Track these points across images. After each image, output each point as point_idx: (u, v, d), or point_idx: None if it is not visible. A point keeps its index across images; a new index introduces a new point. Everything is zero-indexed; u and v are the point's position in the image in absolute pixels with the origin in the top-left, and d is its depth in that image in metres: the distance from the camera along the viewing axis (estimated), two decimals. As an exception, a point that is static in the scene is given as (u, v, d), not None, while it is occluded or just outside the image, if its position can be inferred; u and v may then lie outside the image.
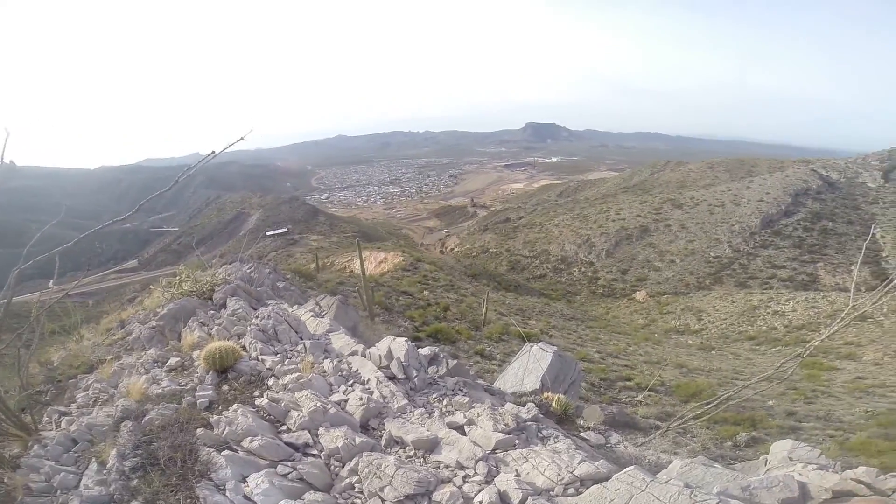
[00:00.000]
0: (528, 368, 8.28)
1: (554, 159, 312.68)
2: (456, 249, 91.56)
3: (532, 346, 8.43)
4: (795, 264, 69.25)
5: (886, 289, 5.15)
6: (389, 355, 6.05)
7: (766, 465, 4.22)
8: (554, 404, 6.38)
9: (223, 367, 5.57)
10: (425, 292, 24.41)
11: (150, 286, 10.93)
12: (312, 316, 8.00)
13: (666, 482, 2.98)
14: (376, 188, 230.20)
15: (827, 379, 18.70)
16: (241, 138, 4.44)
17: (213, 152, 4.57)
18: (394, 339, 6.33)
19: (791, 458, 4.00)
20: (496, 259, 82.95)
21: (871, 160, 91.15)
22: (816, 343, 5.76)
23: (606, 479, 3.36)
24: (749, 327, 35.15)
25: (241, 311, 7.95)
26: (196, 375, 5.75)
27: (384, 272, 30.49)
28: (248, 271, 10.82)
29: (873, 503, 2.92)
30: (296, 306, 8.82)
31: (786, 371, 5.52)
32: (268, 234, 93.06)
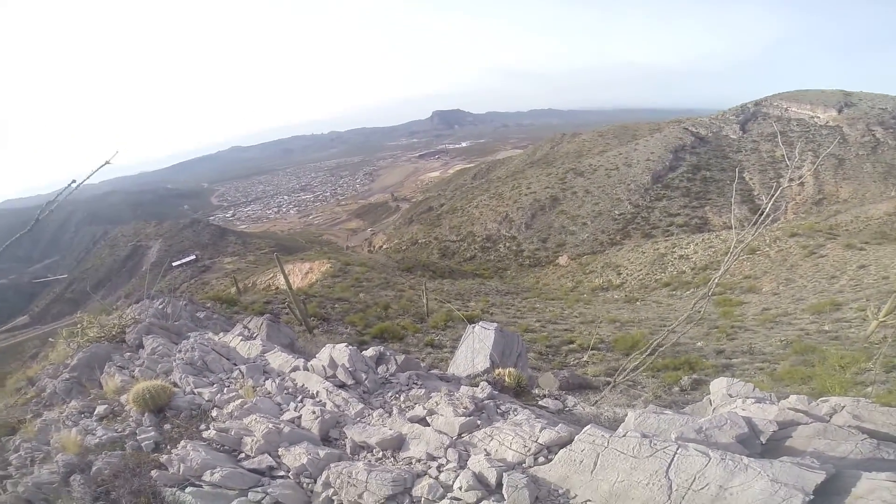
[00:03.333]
0: (475, 349, 8.45)
1: (464, 144, 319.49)
2: (385, 246, 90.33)
3: (474, 327, 8.60)
4: (687, 210, 78.30)
5: (761, 221, 6.01)
6: (333, 364, 6.00)
7: (711, 404, 4.56)
8: (507, 379, 6.60)
9: (158, 407, 5.49)
10: (361, 295, 23.87)
11: (51, 339, 10.03)
12: (242, 340, 7.87)
13: (624, 436, 3.15)
14: (286, 197, 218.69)
15: (739, 314, 21.05)
16: (107, 162, 4.16)
17: (74, 182, 4.22)
18: (333, 346, 6.28)
19: (730, 395, 4.36)
20: (427, 249, 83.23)
21: (730, 115, 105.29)
22: (716, 281, 6.54)
23: (569, 441, 3.54)
24: (662, 274, 38.92)
25: (160, 348, 7.71)
26: (131, 419, 5.57)
27: (313, 282, 29.37)
28: (161, 307, 10.25)
29: (817, 430, 3.26)
30: (221, 334, 8.66)
31: (699, 312, 6.20)
32: (174, 264, 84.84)
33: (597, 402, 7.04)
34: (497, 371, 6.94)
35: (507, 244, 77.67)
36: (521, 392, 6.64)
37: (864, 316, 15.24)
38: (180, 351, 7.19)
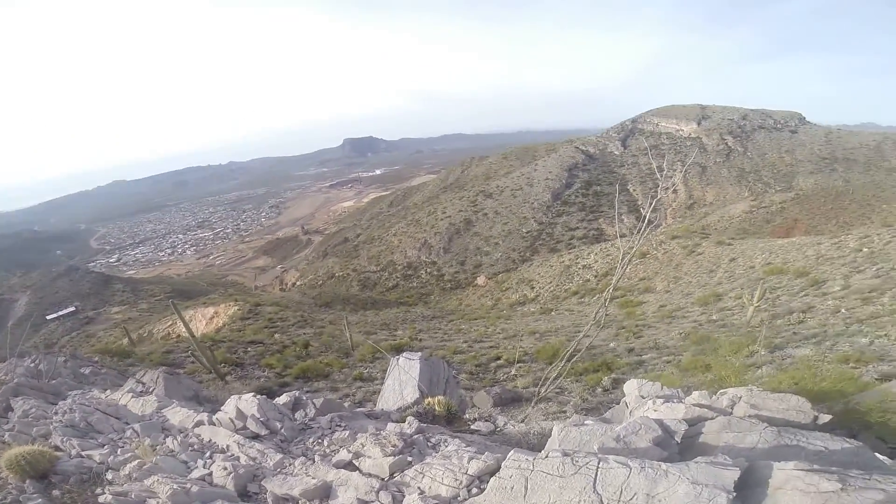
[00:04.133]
0: (402, 381, 8.24)
1: (378, 171, 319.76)
2: (299, 283, 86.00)
3: (398, 359, 8.40)
4: (585, 224, 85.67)
5: (643, 229, 6.69)
6: (241, 415, 5.64)
7: (627, 407, 4.76)
8: (437, 407, 6.47)
9: (40, 473, 5.06)
10: (276, 335, 22.44)
11: None
12: (134, 397, 7.44)
13: (546, 457, 3.16)
14: (181, 236, 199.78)
15: (641, 313, 23.12)
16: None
17: None
18: (239, 397, 5.96)
19: (643, 396, 4.59)
20: (345, 282, 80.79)
21: (612, 133, 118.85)
22: (612, 288, 7.13)
23: (497, 469, 3.48)
24: (570, 284, 41.78)
25: (34, 410, 7.18)
26: (11, 487, 5.07)
27: (220, 327, 27.02)
28: (33, 365, 9.66)
29: (723, 424, 3.51)
30: (109, 391, 8.18)
31: (604, 317, 6.67)
32: (49, 317, 72.59)
33: (524, 418, 7.16)
34: (427, 401, 6.80)
35: (429, 270, 78.41)
36: (452, 419, 6.54)
37: (742, 303, 17.61)
38: (57, 413, 6.72)
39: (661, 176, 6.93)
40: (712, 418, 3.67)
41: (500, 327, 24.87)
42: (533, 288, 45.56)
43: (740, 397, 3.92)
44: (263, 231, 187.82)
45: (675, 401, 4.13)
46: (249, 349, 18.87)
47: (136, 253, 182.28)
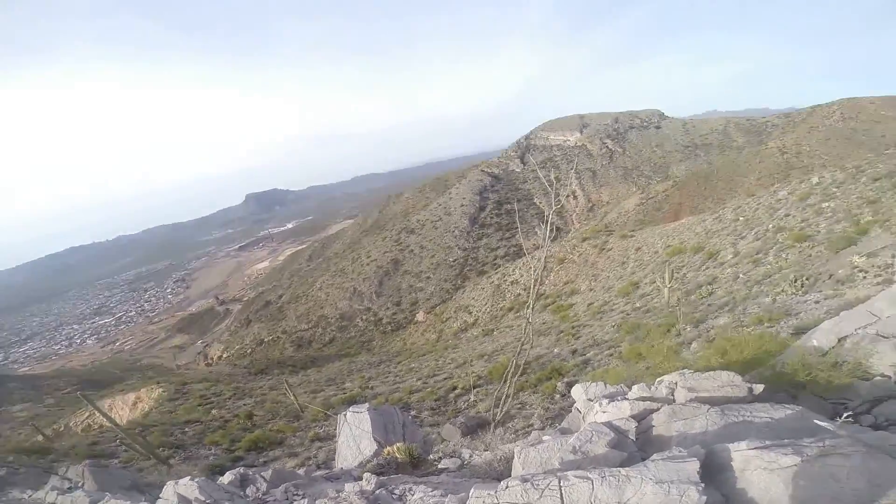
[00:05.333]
0: (356, 436, 7.84)
1: (290, 225, 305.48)
2: (225, 356, 79.02)
3: (345, 415, 8.01)
4: (504, 242, 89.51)
5: (548, 238, 7.19)
6: (184, 500, 5.12)
7: (580, 412, 4.81)
8: (398, 455, 6.21)
9: None
10: (213, 411, 21.12)
11: None
12: (61, 493, 6.99)
13: (507, 488, 3.06)
14: (76, 326, 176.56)
15: (574, 315, 24.25)
16: None
17: None
18: (176, 483, 5.41)
19: (590, 399, 4.68)
20: (277, 345, 75.80)
21: (511, 152, 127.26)
22: (532, 299, 7.54)
23: (463, 511, 3.33)
24: (504, 302, 43.01)
25: None
26: None
27: (147, 412, 24.99)
28: None
29: (668, 413, 3.62)
30: (30, 491, 7.62)
31: (533, 324, 6.93)
32: (-63, 427, 58.30)
33: (488, 446, 7.08)
34: (386, 450, 6.51)
35: (364, 317, 76.22)
36: (418, 462, 6.30)
37: (657, 287, 19.25)
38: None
39: (552, 188, 7.50)
40: (658, 409, 3.76)
41: (449, 357, 24.81)
42: (471, 313, 46.19)
43: (676, 383, 4.05)
44: (173, 308, 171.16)
45: (619, 398, 4.22)
46: (187, 429, 17.97)
47: (26, 349, 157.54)
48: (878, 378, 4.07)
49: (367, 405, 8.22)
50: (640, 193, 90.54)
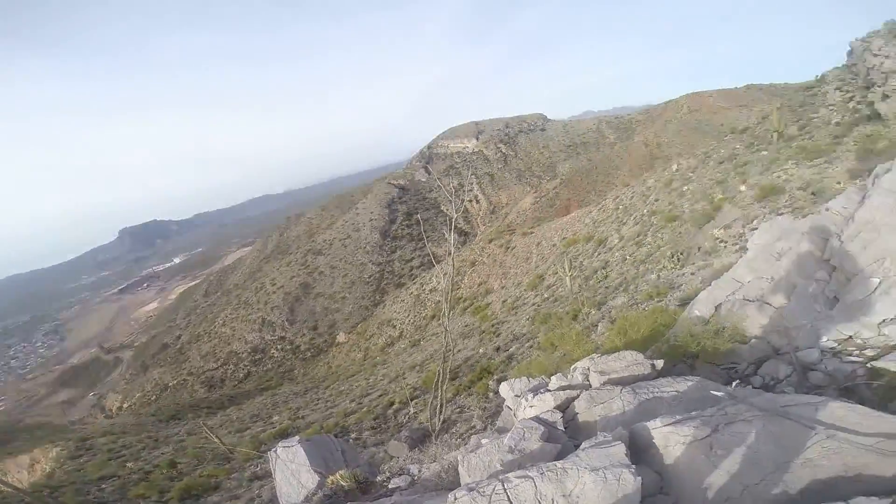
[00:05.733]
0: (293, 471, 7.53)
1: (176, 260, 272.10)
2: (126, 405, 68.90)
3: (276, 452, 7.70)
4: (417, 252, 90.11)
5: (451, 244, 7.80)
6: None
7: (511, 410, 4.89)
8: (343, 482, 6.10)
9: None
10: (129, 464, 18.82)
11: None
12: None
13: (455, 500, 3.03)
14: None
15: (491, 314, 25.22)
16: None
17: None
18: None
19: (517, 396, 4.77)
20: (185, 388, 67.86)
21: (415, 162, 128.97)
22: (448, 304, 7.96)
23: (413, 530, 3.21)
24: (426, 311, 43.29)
25: None
26: None
27: (49, 473, 21.67)
28: None
29: (587, 399, 3.78)
30: None
31: (452, 331, 7.40)
32: None
33: (434, 457, 7.22)
34: (329, 480, 6.34)
35: (279, 346, 71.39)
36: (366, 486, 6.20)
37: (559, 277, 20.98)
38: None
39: (452, 197, 8.12)
40: (577, 396, 3.93)
41: (380, 374, 24.46)
42: (395, 326, 45.81)
43: (588, 368, 4.27)
44: (49, 363, 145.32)
45: (542, 391, 4.34)
46: (104, 486, 16.56)
47: None
48: (754, 340, 4.48)
49: (296, 438, 7.91)
50: (533, 193, 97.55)
